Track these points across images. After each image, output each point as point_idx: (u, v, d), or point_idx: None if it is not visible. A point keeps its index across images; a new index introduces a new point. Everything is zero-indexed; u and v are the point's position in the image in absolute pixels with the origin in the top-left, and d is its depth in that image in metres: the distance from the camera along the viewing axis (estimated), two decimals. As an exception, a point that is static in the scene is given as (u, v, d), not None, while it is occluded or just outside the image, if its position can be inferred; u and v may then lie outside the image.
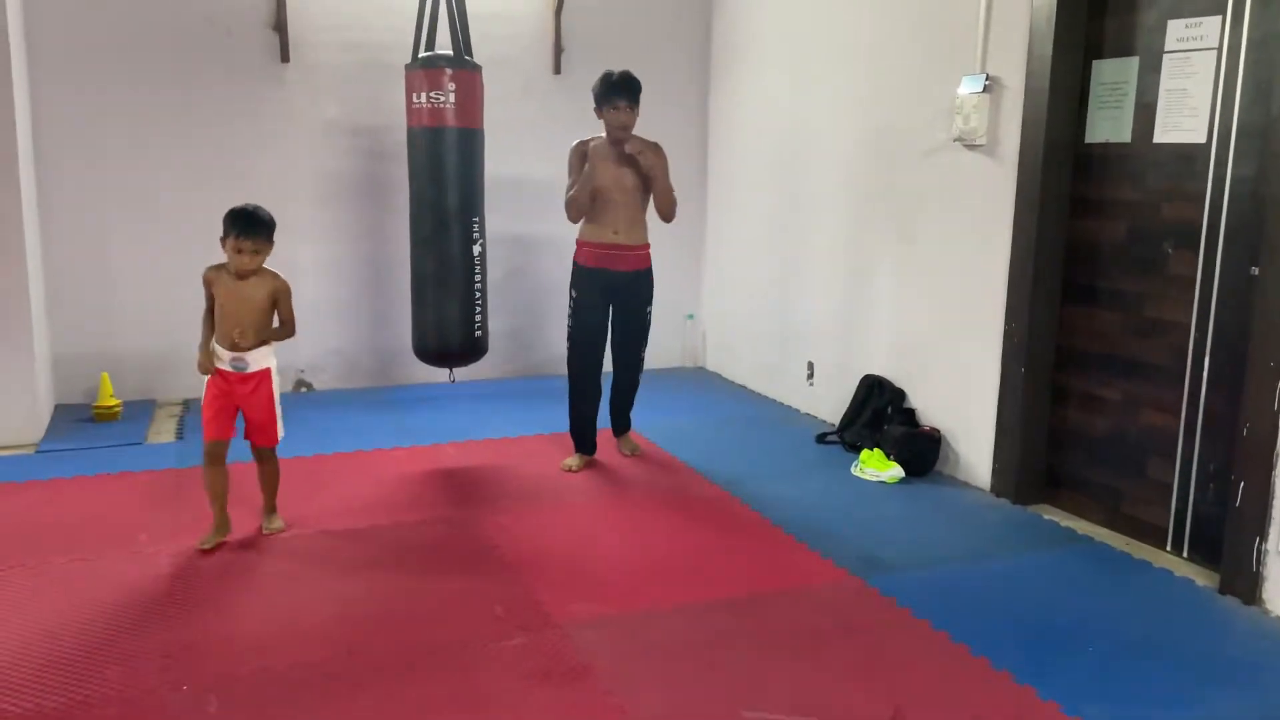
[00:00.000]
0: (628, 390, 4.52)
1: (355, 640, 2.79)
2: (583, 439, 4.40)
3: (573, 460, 4.35)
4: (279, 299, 3.38)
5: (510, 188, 5.65)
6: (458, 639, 2.80)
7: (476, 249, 4.60)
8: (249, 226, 3.28)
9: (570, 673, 2.64)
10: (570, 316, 4.30)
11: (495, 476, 4.25)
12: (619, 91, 4.06)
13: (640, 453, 4.55)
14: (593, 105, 4.15)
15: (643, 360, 4.45)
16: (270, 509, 3.60)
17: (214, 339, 3.37)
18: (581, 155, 4.18)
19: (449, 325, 4.60)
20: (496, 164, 5.13)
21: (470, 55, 4.67)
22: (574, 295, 4.27)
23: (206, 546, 3.39)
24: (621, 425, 4.60)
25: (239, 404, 3.40)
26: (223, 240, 3.31)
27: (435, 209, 4.57)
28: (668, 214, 4.24)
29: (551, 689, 2.56)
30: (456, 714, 2.46)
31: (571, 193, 4.16)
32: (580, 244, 4.26)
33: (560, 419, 4.45)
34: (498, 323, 5.76)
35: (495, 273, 5.59)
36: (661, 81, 5.97)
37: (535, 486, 4.10)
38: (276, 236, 3.35)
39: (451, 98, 4.50)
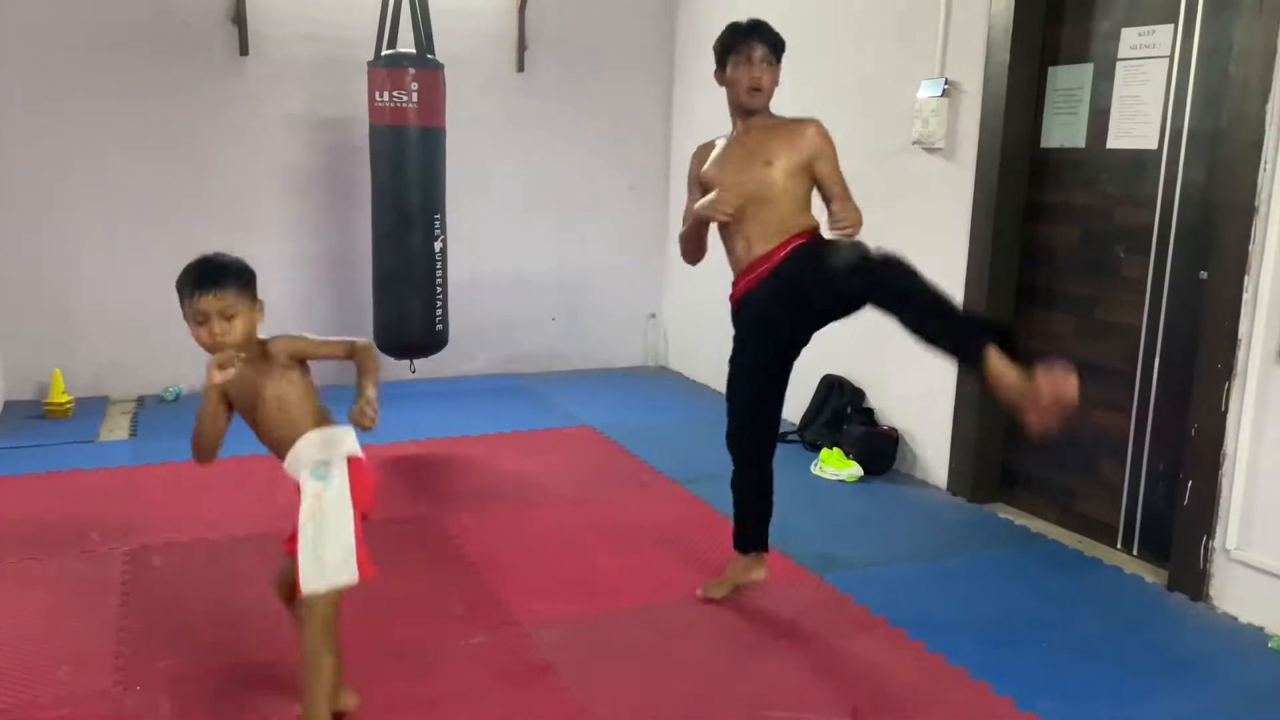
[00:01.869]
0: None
1: (313, 639, 2.77)
2: (748, 532, 3.08)
3: (718, 584, 3.08)
4: (304, 351, 2.32)
5: (472, 185, 5.62)
6: (418, 639, 2.79)
7: (438, 245, 4.72)
8: (208, 275, 2.16)
9: (531, 671, 2.64)
10: (730, 366, 3.07)
11: (458, 474, 4.23)
12: (750, 35, 2.83)
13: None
14: (713, 70, 2.94)
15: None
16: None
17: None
18: (700, 162, 3.01)
19: (410, 318, 4.73)
20: (459, 161, 5.11)
21: (432, 53, 4.66)
22: (735, 337, 3.05)
23: None
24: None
25: None
26: (186, 320, 2.20)
27: (397, 206, 4.67)
28: (855, 220, 3.04)
29: (512, 688, 2.56)
30: (416, 713, 2.45)
31: (682, 230, 3.04)
32: (733, 283, 3.01)
33: (523, 416, 4.39)
34: (461, 321, 5.73)
35: (458, 270, 5.56)
36: (626, 79, 6.00)
37: (498, 485, 4.09)
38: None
39: (414, 97, 4.53)
